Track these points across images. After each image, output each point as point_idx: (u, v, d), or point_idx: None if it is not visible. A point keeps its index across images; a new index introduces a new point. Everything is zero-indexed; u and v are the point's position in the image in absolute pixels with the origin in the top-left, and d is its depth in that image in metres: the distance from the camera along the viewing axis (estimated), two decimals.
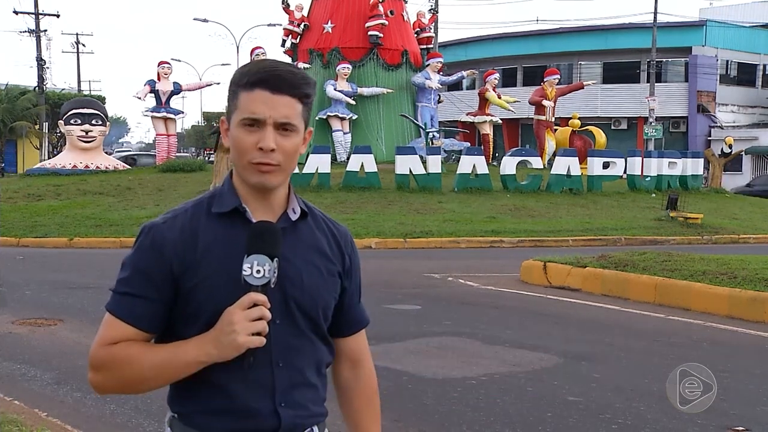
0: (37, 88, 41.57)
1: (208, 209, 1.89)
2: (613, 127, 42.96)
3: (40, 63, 40.90)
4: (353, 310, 2.05)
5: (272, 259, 1.77)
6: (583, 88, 32.97)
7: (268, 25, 50.53)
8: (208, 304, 1.81)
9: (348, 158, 23.10)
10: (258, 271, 1.75)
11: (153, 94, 28.51)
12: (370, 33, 27.60)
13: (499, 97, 30.43)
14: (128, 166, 29.38)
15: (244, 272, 1.75)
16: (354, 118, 27.22)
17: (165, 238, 1.85)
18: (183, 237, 1.85)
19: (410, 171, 21.32)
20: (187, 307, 1.84)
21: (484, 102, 30.65)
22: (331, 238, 1.97)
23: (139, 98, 28.61)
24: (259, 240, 1.78)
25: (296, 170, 19.66)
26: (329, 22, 28.19)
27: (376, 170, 21.26)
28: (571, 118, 30.39)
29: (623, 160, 23.66)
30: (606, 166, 23.21)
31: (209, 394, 1.84)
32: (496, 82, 31.25)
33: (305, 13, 29.37)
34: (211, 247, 1.84)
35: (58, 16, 46.15)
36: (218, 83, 42.65)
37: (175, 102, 30.03)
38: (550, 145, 28.77)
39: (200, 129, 64.71)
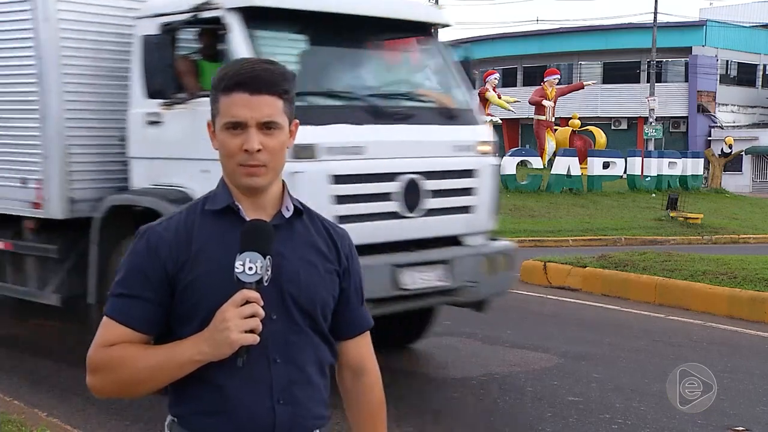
0: None
1: (202, 208, 1.90)
2: (613, 127, 42.95)
3: None
4: (353, 313, 2.02)
5: (264, 256, 1.77)
6: (583, 88, 32.99)
7: None
8: (203, 301, 1.81)
9: None
10: (250, 268, 1.75)
11: None
12: None
13: (499, 97, 30.43)
14: None
15: (236, 269, 1.75)
16: None
17: (160, 239, 1.86)
18: (177, 236, 1.86)
19: None
20: (182, 306, 1.84)
21: (484, 102, 30.58)
22: (327, 237, 1.97)
23: None
24: (251, 237, 1.78)
25: None
26: None
27: None
28: (571, 118, 30.39)
29: (623, 160, 23.66)
30: (606, 166, 23.20)
31: (207, 395, 1.84)
32: (496, 82, 31.25)
33: None
34: (205, 245, 1.85)
35: None
36: None
37: None
38: (550, 145, 28.76)
39: None
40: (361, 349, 2.05)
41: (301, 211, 1.94)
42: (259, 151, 1.80)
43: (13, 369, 6.70)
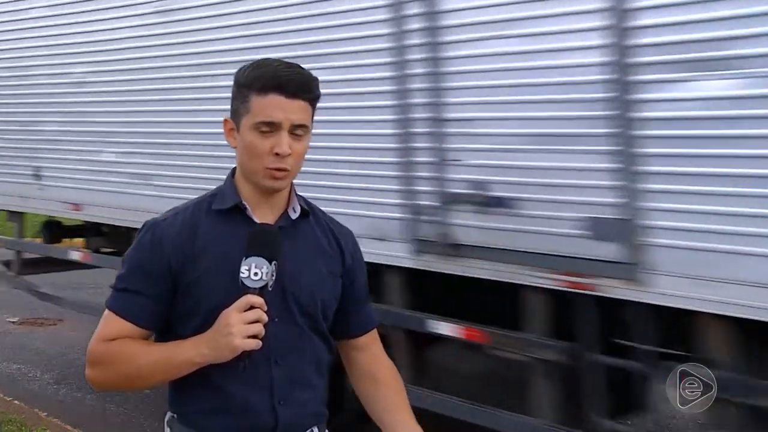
0: None
1: (208, 207, 1.89)
2: None
3: None
4: (362, 310, 2.04)
5: (270, 262, 1.76)
6: None
7: None
8: (206, 299, 1.81)
9: None
10: (255, 274, 1.73)
11: None
12: None
13: None
14: None
15: (241, 274, 1.73)
16: None
17: (165, 234, 1.85)
18: (182, 233, 1.85)
19: None
20: (185, 303, 1.84)
21: None
22: (332, 237, 1.97)
23: None
24: (258, 242, 1.77)
25: None
26: None
27: None
28: None
29: None
30: None
31: (207, 393, 1.84)
32: None
33: None
34: (210, 243, 1.84)
35: None
36: None
37: None
38: None
39: None
40: (373, 342, 2.07)
41: (307, 212, 1.93)
42: (288, 155, 1.80)
43: (13, 369, 6.70)
